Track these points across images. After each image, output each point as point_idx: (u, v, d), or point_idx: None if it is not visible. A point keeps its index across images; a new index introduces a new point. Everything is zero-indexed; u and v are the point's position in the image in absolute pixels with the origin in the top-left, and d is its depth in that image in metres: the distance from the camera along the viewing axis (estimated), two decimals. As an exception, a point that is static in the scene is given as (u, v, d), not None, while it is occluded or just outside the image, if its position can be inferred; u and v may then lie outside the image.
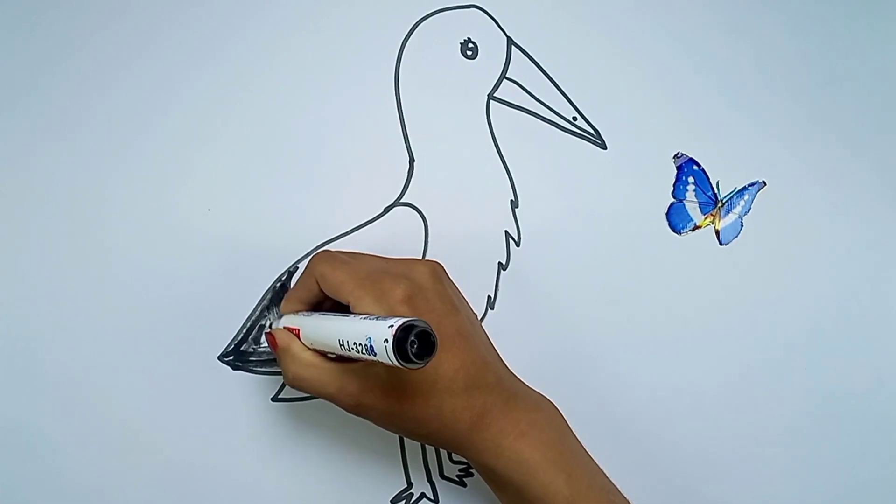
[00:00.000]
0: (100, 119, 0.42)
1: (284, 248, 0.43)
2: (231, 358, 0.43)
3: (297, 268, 0.43)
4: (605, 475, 0.41)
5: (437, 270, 0.40)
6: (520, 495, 0.38)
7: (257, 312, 0.43)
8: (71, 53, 0.41)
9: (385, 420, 0.38)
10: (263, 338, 0.43)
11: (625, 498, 0.40)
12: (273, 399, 0.44)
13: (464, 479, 0.46)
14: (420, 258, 0.41)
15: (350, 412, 0.38)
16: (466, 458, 0.39)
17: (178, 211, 0.42)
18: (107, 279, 0.42)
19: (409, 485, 0.45)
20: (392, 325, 0.31)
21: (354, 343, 0.33)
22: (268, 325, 0.43)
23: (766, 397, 0.47)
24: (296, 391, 0.43)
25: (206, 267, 0.42)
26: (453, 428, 0.37)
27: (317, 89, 0.43)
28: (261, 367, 0.43)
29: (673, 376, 0.46)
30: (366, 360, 0.33)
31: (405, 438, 0.45)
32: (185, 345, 0.42)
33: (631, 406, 0.46)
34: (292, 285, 0.42)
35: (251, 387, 0.43)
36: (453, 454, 0.46)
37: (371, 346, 0.32)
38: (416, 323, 0.31)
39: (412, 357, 0.31)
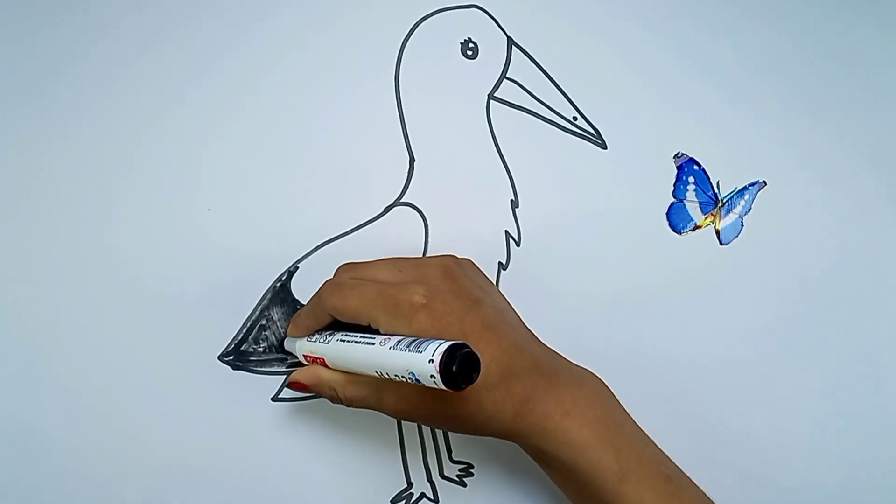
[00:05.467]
0: (100, 119, 0.42)
1: (285, 247, 0.43)
2: (231, 358, 0.43)
3: (297, 267, 0.43)
4: (655, 445, 0.40)
5: (449, 268, 0.39)
6: (570, 474, 0.38)
7: (257, 312, 0.43)
8: (74, 56, 0.41)
9: (429, 421, 0.38)
10: (263, 337, 0.43)
11: (676, 465, 0.40)
12: (273, 399, 0.44)
13: (464, 479, 0.46)
14: (432, 256, 0.41)
15: (394, 418, 0.38)
16: (517, 444, 0.39)
17: (178, 211, 0.42)
18: (106, 279, 0.42)
19: (409, 485, 0.45)
20: (433, 360, 0.31)
21: (397, 376, 0.33)
22: (282, 363, 0.42)
23: (765, 397, 0.47)
24: (296, 391, 0.43)
25: (206, 267, 0.42)
26: (498, 419, 0.37)
27: (317, 89, 0.43)
28: (261, 367, 0.43)
29: (673, 375, 0.46)
30: None
31: (405, 438, 0.45)
32: (185, 345, 0.42)
33: (631, 406, 0.46)
34: (301, 311, 0.41)
35: (251, 387, 0.43)
36: (453, 454, 0.46)
37: (416, 379, 0.32)
38: (455, 349, 0.31)
39: (460, 380, 0.31)
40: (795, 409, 0.47)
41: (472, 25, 0.44)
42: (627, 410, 0.41)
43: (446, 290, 0.38)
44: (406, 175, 0.44)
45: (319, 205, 0.43)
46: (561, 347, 0.45)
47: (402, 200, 0.44)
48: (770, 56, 0.47)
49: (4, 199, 0.41)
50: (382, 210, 0.44)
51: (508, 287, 0.45)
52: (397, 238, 0.44)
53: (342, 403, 0.39)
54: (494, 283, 0.45)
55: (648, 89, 0.46)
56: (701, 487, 0.40)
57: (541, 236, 0.45)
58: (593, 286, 0.46)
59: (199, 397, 0.43)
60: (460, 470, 0.46)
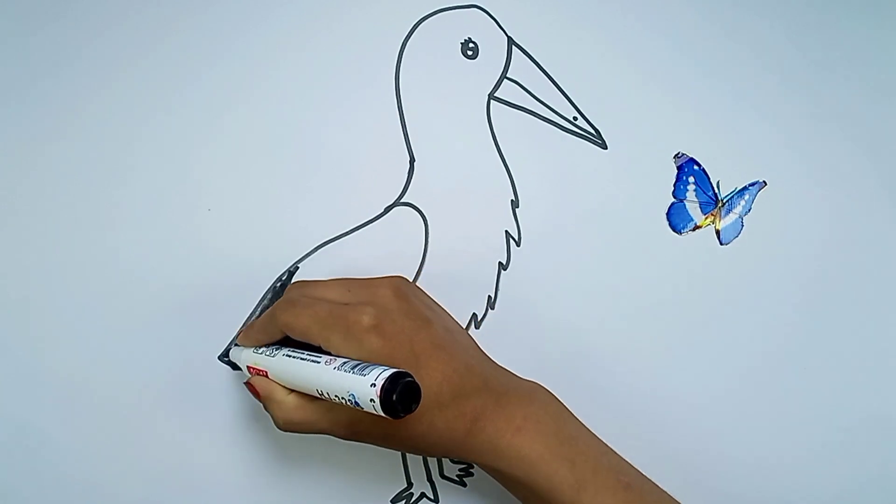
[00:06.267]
0: (101, 119, 0.42)
1: (285, 247, 0.43)
2: (231, 358, 0.43)
3: (298, 267, 0.43)
4: (614, 454, 0.41)
5: (400, 288, 0.39)
6: (528, 490, 0.38)
7: (257, 312, 0.43)
8: (74, 55, 0.41)
9: (382, 442, 0.38)
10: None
11: (637, 471, 0.40)
12: (273, 399, 0.44)
13: (464, 479, 0.46)
14: (383, 277, 0.41)
15: (347, 440, 0.38)
16: (473, 464, 0.39)
17: (179, 211, 0.42)
18: (107, 279, 0.42)
19: (409, 485, 0.45)
20: (374, 384, 0.31)
21: (337, 396, 0.33)
22: (234, 358, 0.41)
23: (765, 397, 0.47)
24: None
25: (206, 267, 0.42)
26: (450, 438, 0.37)
27: (317, 89, 0.43)
28: (261, 367, 0.43)
29: (673, 376, 0.46)
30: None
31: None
32: (185, 345, 0.42)
33: (631, 406, 0.46)
34: (254, 322, 0.41)
35: (251, 387, 0.43)
36: (453, 454, 0.46)
37: (356, 401, 0.32)
38: (397, 374, 0.31)
39: (398, 408, 0.31)
40: (795, 410, 0.47)
41: (473, 25, 0.44)
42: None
43: (396, 310, 0.38)
44: (406, 175, 0.44)
45: (319, 205, 0.43)
46: (559, 347, 0.45)
47: (402, 200, 0.44)
48: (770, 56, 0.47)
49: (4, 199, 0.41)
50: (382, 210, 0.44)
51: (508, 287, 0.45)
52: (397, 238, 0.44)
53: (283, 426, 0.38)
54: (494, 283, 0.45)
55: (648, 89, 0.46)
56: (670, 492, 0.40)
57: (541, 236, 0.45)
58: (593, 286, 0.46)
59: (199, 397, 0.43)
60: (460, 470, 0.46)
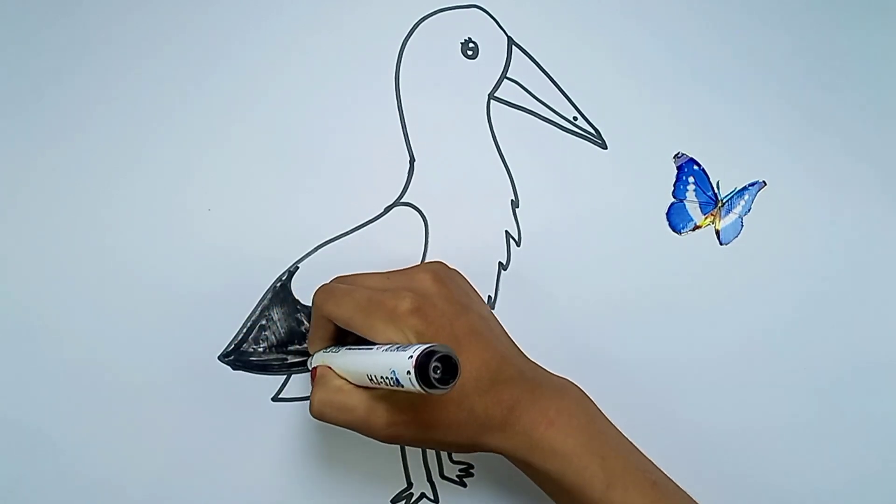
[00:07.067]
0: (101, 120, 0.42)
1: (285, 247, 0.43)
2: (231, 358, 0.43)
3: (298, 267, 0.43)
4: (639, 452, 0.41)
5: (439, 273, 0.39)
6: (558, 484, 0.38)
7: (257, 312, 0.43)
8: (74, 57, 0.41)
9: (422, 437, 0.37)
10: (263, 337, 0.43)
11: (660, 470, 0.40)
12: (273, 399, 0.44)
13: (464, 480, 0.46)
14: (421, 263, 0.41)
15: (383, 440, 0.37)
16: (504, 455, 0.39)
17: (179, 211, 0.42)
18: (107, 279, 0.42)
19: (409, 485, 0.45)
20: (412, 356, 0.31)
21: (382, 377, 0.33)
22: (309, 363, 0.42)
23: (766, 396, 0.47)
24: (296, 391, 0.43)
25: (206, 267, 0.42)
26: (488, 426, 0.37)
27: (317, 89, 0.43)
28: (261, 367, 0.43)
29: (673, 376, 0.46)
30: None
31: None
32: (185, 345, 0.42)
33: (631, 406, 0.46)
34: (310, 325, 0.41)
35: (251, 387, 0.43)
36: (454, 454, 0.46)
37: (396, 378, 0.32)
38: (435, 349, 0.31)
39: (436, 383, 0.31)
40: (795, 411, 0.47)
41: (473, 25, 0.44)
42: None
43: (436, 294, 0.38)
44: (406, 175, 0.44)
45: (320, 205, 0.43)
46: (560, 347, 0.45)
47: (402, 200, 0.44)
48: (770, 56, 0.47)
49: (5, 199, 0.41)
50: (382, 210, 0.44)
51: (508, 287, 0.45)
52: (397, 238, 0.44)
53: (317, 407, 0.37)
54: (494, 283, 0.45)
55: (648, 89, 0.46)
56: (687, 491, 0.40)
57: (541, 236, 0.45)
58: (593, 286, 0.46)
59: (199, 397, 0.43)
60: (460, 470, 0.46)
